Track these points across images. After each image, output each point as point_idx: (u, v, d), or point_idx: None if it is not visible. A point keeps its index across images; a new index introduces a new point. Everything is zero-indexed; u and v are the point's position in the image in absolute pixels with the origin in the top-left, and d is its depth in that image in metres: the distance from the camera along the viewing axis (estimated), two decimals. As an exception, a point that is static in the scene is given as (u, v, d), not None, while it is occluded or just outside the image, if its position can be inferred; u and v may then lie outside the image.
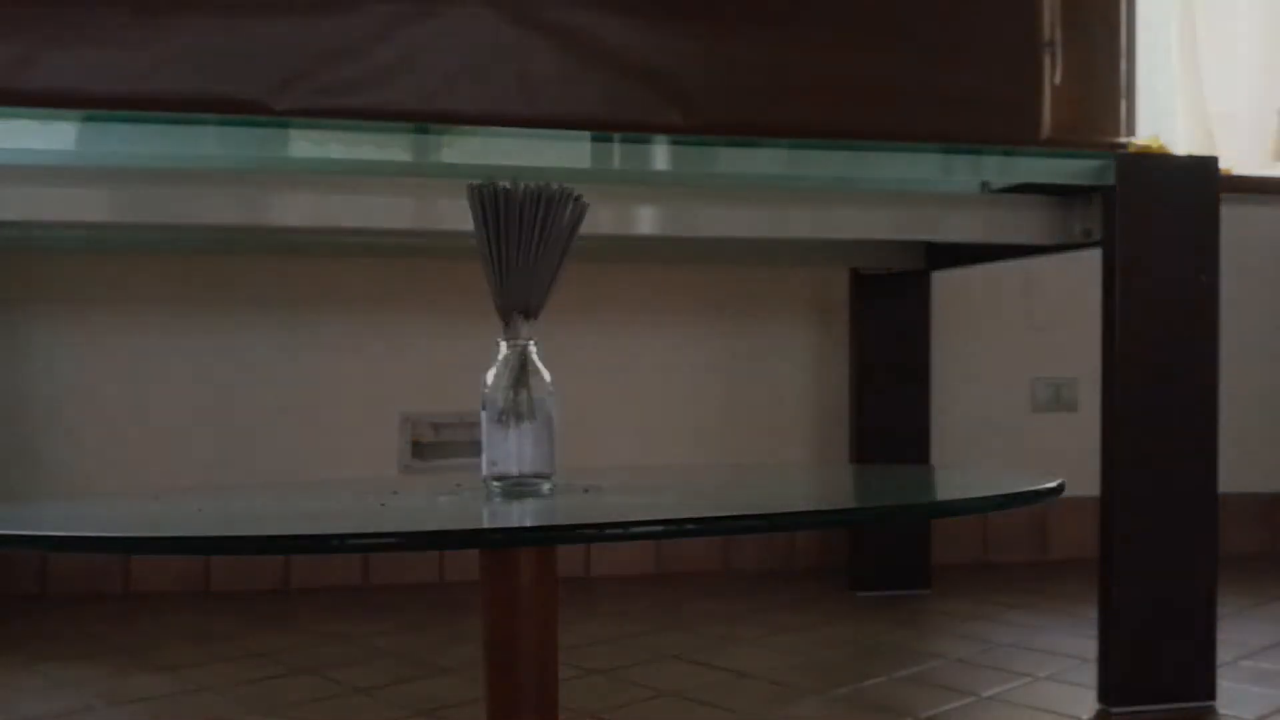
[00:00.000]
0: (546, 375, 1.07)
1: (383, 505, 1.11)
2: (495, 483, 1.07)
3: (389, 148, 1.60)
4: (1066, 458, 2.10)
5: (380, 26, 1.64)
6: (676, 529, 0.93)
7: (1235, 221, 1.95)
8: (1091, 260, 1.74)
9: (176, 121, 1.53)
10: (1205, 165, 1.71)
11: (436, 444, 2.56)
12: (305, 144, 1.58)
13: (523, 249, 1.05)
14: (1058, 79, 2.02)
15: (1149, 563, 1.67)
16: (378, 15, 1.65)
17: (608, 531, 1.04)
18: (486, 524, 1.02)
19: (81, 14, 1.55)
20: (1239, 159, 3.01)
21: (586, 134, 1.66)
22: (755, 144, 1.69)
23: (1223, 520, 1.74)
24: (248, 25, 1.63)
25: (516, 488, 1.06)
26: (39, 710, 1.65)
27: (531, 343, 1.07)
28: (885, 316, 2.44)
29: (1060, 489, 1.01)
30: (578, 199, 1.08)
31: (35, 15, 1.54)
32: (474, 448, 1.09)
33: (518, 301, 1.06)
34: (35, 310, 2.43)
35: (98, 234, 2.09)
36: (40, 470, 2.41)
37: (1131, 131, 2.88)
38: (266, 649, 1.99)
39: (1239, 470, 2.63)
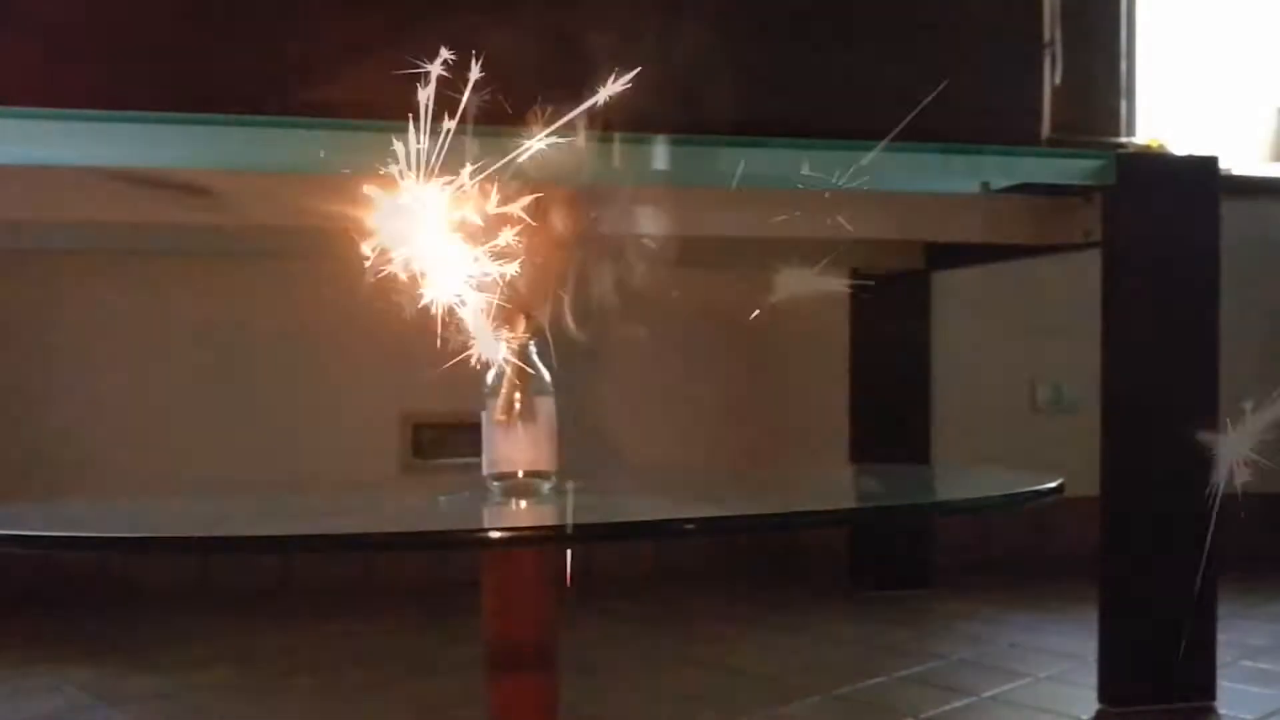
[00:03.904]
0: (546, 375, 1.07)
1: (383, 505, 1.11)
2: (495, 483, 1.06)
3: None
4: (1066, 458, 2.09)
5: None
6: (676, 529, 0.93)
7: (1235, 221, 1.95)
8: (1091, 260, 1.74)
9: (181, 122, 1.52)
10: (1205, 165, 1.71)
11: (436, 444, 2.56)
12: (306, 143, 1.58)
13: (523, 249, 1.05)
14: (1058, 79, 2.02)
15: (1149, 563, 1.67)
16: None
17: (608, 531, 1.04)
18: (486, 524, 1.02)
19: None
20: (1239, 159, 3.01)
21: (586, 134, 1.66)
22: (755, 144, 1.69)
23: (1222, 520, 1.74)
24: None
25: (516, 488, 1.06)
26: (39, 710, 1.65)
27: (532, 342, 1.07)
28: (885, 316, 2.44)
29: (1060, 489, 1.01)
30: (577, 199, 1.08)
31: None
32: (474, 448, 1.09)
33: (518, 301, 1.06)
34: (37, 311, 2.43)
35: (99, 235, 2.08)
36: (42, 470, 2.41)
37: (1131, 131, 2.88)
38: (266, 649, 1.99)
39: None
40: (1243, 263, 2.63)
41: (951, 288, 2.65)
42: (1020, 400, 2.87)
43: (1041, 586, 2.53)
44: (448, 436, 2.55)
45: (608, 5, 1.74)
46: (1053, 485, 1.00)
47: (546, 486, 1.06)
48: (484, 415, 1.07)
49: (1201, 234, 1.69)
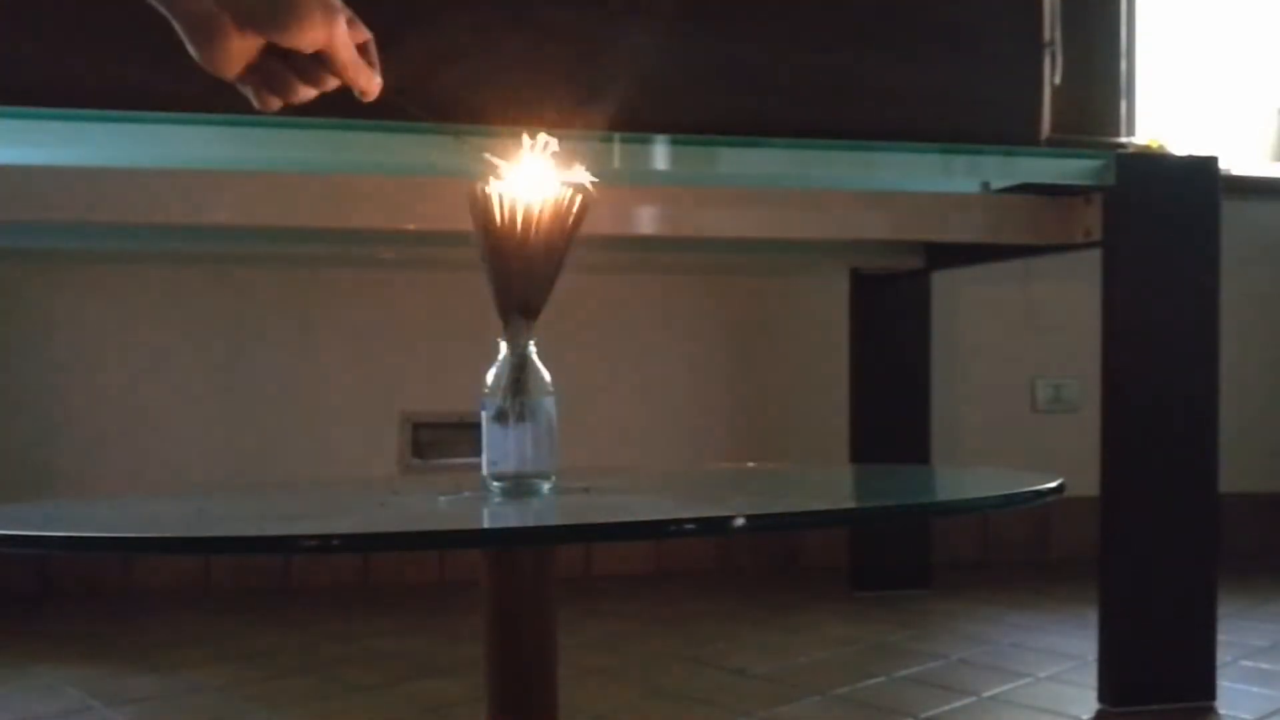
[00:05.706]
0: (546, 375, 1.07)
1: (382, 505, 1.11)
2: (495, 483, 1.06)
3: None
4: (1066, 458, 2.09)
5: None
6: (676, 529, 0.93)
7: (1235, 221, 1.95)
8: (1091, 260, 1.74)
9: (178, 122, 1.52)
10: (1205, 165, 1.71)
11: (436, 444, 2.56)
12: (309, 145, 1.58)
13: (523, 249, 1.05)
14: (1058, 79, 2.02)
15: (1149, 563, 1.67)
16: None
17: (608, 531, 1.04)
18: (486, 524, 1.02)
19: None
20: (1239, 159, 3.02)
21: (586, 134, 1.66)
22: (755, 144, 1.69)
23: (1223, 520, 1.74)
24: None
25: (516, 488, 1.06)
26: (39, 710, 1.65)
27: (531, 343, 1.07)
28: (885, 316, 2.44)
29: (1060, 489, 1.01)
30: (578, 199, 1.08)
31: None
32: (474, 448, 1.09)
33: (518, 301, 1.06)
34: (41, 312, 2.43)
35: (102, 234, 2.08)
36: (43, 470, 2.41)
37: (1131, 131, 2.88)
38: (266, 649, 1.99)
39: (1239, 470, 2.63)
40: (1243, 263, 2.64)
41: (951, 288, 2.66)
42: (1020, 400, 2.88)
43: (1041, 586, 2.53)
44: (448, 436, 2.55)
45: (610, 7, 1.75)
46: (1053, 485, 1.00)
47: (546, 486, 1.06)
48: (484, 415, 1.06)
49: (1201, 234, 1.69)
